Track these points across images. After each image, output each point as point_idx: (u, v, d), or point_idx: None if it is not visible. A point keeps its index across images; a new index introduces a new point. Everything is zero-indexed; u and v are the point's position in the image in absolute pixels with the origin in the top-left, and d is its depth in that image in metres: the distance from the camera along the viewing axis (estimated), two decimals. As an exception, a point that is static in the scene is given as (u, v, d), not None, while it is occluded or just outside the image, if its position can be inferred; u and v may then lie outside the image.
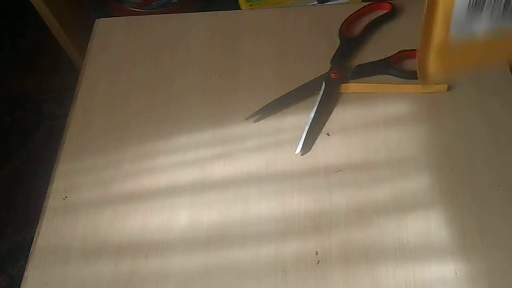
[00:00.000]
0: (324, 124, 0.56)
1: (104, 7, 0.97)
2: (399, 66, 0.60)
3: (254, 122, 0.57)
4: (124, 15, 0.72)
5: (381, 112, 0.57)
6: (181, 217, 0.52)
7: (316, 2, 0.77)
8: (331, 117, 0.57)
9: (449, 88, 0.57)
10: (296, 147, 0.54)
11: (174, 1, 0.93)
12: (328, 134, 0.56)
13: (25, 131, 1.34)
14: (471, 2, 0.39)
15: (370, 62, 0.60)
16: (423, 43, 0.44)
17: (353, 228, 0.49)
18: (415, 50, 0.60)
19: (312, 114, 0.56)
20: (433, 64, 0.44)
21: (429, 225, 0.49)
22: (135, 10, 0.92)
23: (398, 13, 0.64)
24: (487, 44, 0.42)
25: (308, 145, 0.55)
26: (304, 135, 0.55)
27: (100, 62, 0.64)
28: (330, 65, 0.60)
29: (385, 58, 0.60)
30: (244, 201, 0.52)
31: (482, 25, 0.40)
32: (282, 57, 0.62)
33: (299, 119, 0.57)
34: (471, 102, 0.56)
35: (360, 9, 0.65)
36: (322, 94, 0.58)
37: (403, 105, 0.57)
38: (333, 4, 0.75)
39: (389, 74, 0.59)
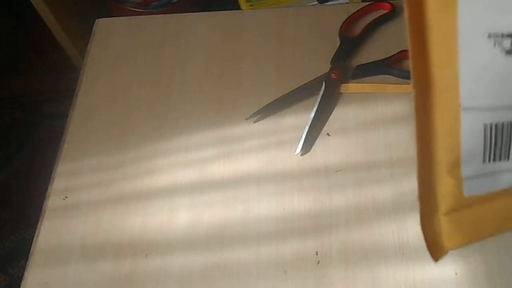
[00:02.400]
0: (324, 124, 0.56)
1: (104, 7, 0.97)
2: (399, 66, 0.59)
3: (254, 122, 0.57)
4: (124, 15, 0.72)
5: (381, 112, 0.57)
6: (181, 217, 0.52)
7: (316, 2, 0.77)
8: (331, 117, 0.57)
9: (449, 88, 0.57)
10: (296, 147, 0.54)
11: (174, 1, 0.93)
12: (328, 134, 0.56)
13: (25, 131, 1.34)
14: (488, 151, 0.29)
15: (370, 62, 0.60)
16: (424, 205, 0.33)
17: (353, 228, 0.49)
18: (415, 50, 0.60)
19: (312, 114, 0.56)
20: (447, 235, 0.34)
21: (429, 225, 0.49)
22: (135, 10, 0.92)
23: (398, 13, 0.64)
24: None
25: (308, 145, 0.55)
26: (304, 135, 0.55)
27: (100, 62, 0.64)
28: (330, 65, 0.60)
29: (385, 58, 0.60)
30: (244, 201, 0.52)
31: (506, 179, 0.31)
32: (282, 57, 0.62)
33: (299, 119, 0.57)
34: (471, 102, 0.56)
35: (360, 9, 0.64)
36: (322, 94, 0.58)
37: (403, 105, 0.57)
38: (333, 4, 0.75)
39: (389, 74, 0.59)
